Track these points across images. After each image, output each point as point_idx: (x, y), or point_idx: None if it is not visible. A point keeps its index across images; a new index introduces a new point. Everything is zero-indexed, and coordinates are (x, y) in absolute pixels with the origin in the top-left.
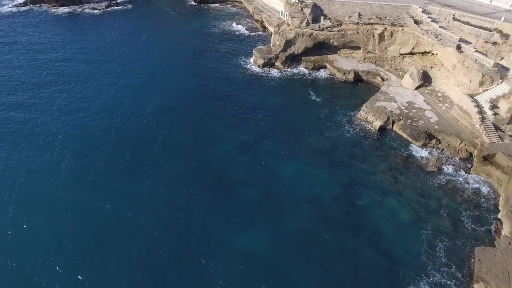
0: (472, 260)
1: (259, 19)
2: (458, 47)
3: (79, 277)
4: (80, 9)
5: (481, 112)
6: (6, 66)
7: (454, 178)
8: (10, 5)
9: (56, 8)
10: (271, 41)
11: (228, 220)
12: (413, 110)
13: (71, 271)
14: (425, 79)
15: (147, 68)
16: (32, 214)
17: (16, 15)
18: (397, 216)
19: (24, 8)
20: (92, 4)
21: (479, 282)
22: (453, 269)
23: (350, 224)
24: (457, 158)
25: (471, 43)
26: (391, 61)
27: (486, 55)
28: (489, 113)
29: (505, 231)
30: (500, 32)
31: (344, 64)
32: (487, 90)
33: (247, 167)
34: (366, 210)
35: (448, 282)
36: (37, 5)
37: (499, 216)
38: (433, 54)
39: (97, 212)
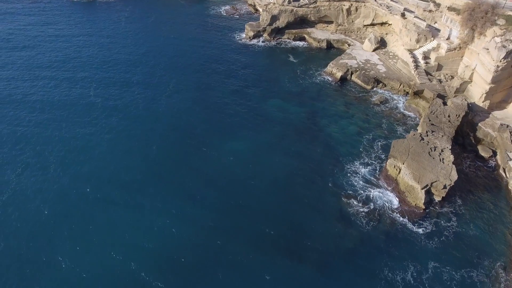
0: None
1: (252, 3)
2: (403, 15)
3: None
4: None
5: (416, 61)
6: (67, 45)
7: (392, 107)
8: None
9: None
10: (260, 17)
11: (222, 133)
12: (368, 65)
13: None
14: (381, 44)
15: (157, 40)
16: None
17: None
18: (346, 130)
19: None
20: None
21: (390, 158)
22: (378, 154)
23: (310, 134)
24: (395, 95)
25: (413, 12)
26: (357, 31)
27: (423, 20)
28: (422, 62)
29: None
30: (434, 2)
31: (319, 35)
32: (422, 46)
33: (237, 103)
34: (323, 126)
35: (373, 162)
36: None
37: (418, 127)
38: (389, 24)
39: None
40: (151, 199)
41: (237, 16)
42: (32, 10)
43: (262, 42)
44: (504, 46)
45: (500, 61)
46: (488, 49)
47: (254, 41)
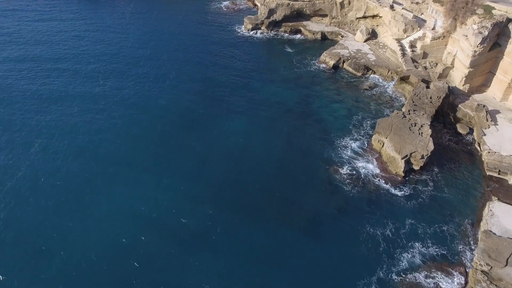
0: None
1: None
2: (392, 7)
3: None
4: None
5: (403, 50)
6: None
7: (381, 92)
8: None
9: None
10: (258, 11)
11: (221, 115)
12: (359, 54)
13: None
14: (372, 35)
15: (161, 32)
16: None
17: None
18: (337, 111)
19: None
20: None
21: (375, 134)
22: (366, 131)
23: (304, 115)
24: (384, 81)
25: (402, 4)
26: (350, 24)
27: (411, 11)
28: (408, 50)
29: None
30: None
31: (315, 27)
32: (409, 36)
33: (237, 87)
34: (315, 109)
35: (361, 137)
36: None
37: (403, 107)
38: (380, 16)
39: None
40: (158, 171)
41: (237, 11)
42: (39, 7)
43: (260, 34)
44: (480, 33)
45: (477, 46)
46: (466, 36)
47: (253, 34)
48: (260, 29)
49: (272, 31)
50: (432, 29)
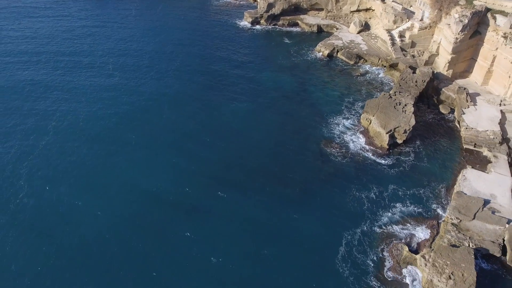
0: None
1: None
2: (383, 0)
3: None
4: None
5: (392, 39)
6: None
7: (371, 78)
8: None
9: None
10: (258, 6)
11: (223, 98)
12: (352, 44)
13: None
14: (365, 27)
15: (166, 26)
16: None
17: None
18: (331, 95)
19: None
20: None
21: (364, 113)
22: (357, 111)
23: (300, 98)
24: (375, 68)
25: None
26: (344, 17)
27: (400, 4)
28: (398, 40)
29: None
30: None
31: (311, 20)
32: (398, 26)
33: (236, 75)
34: (310, 93)
35: (352, 116)
36: None
37: (391, 91)
38: (372, 10)
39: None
40: (168, 144)
41: (237, 6)
42: (47, 4)
43: (260, 27)
44: (461, 21)
45: (458, 33)
46: (449, 24)
47: (252, 27)
48: (260, 22)
49: (271, 25)
50: (420, 20)
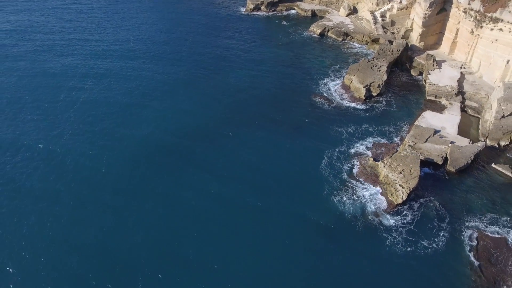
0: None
1: None
2: None
3: None
4: None
5: (375, 19)
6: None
7: (356, 51)
8: None
9: None
10: None
11: (227, 67)
12: (341, 25)
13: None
14: (354, 11)
15: (175, 13)
16: None
17: None
18: (321, 63)
19: None
20: None
21: (346, 74)
22: (342, 74)
23: (294, 66)
24: (359, 43)
25: None
26: (336, 3)
27: None
28: (380, 19)
29: None
30: None
31: (306, 6)
32: (381, 8)
33: (239, 50)
34: (304, 63)
35: (337, 78)
36: None
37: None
38: None
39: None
40: (183, 98)
41: None
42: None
43: (261, 12)
44: None
45: (427, 9)
46: (420, 2)
47: (254, 12)
48: (260, 8)
49: (270, 11)
50: (399, 2)
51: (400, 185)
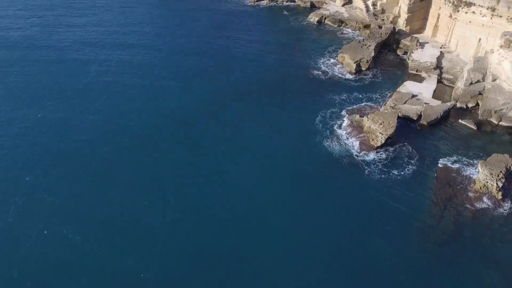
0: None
1: None
2: None
3: None
4: None
5: (367, 7)
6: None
7: (350, 35)
8: None
9: None
10: None
11: (232, 50)
12: (337, 13)
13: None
14: (349, 1)
15: (183, 5)
16: None
17: None
18: (318, 45)
19: None
20: None
21: (340, 53)
22: (336, 54)
23: (294, 49)
24: (352, 29)
25: None
26: None
27: None
28: (371, 8)
29: None
30: None
31: None
32: None
33: (247, 34)
34: (302, 45)
35: (332, 57)
36: None
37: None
38: None
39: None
40: (197, 74)
41: None
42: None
43: (263, 3)
44: None
45: None
46: None
47: (257, 3)
48: (263, 0)
49: (272, 2)
50: None
51: (380, 132)
